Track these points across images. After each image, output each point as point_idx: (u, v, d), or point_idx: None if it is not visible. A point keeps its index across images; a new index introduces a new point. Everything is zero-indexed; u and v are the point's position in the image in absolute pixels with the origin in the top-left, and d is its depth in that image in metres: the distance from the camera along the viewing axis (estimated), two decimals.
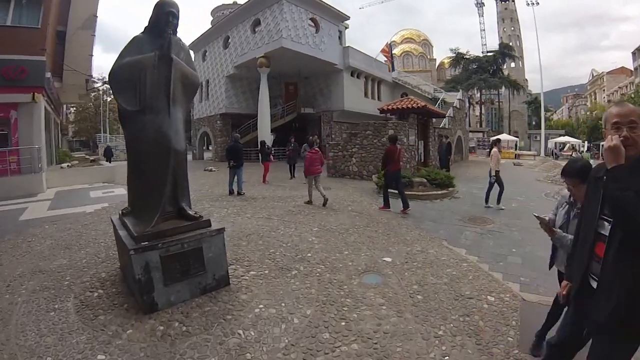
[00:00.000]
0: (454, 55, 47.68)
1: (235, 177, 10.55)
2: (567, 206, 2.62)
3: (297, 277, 4.28)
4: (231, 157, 10.55)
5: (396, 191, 8.40)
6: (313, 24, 23.02)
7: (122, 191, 10.81)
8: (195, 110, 31.22)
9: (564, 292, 2.05)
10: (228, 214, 7.95)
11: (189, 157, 30.68)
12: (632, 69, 54.87)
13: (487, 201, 8.80)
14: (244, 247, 5.43)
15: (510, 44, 52.34)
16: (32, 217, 8.03)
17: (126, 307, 3.49)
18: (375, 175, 10.33)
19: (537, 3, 40.18)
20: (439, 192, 10.07)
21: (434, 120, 18.48)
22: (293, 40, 20.93)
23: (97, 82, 25.18)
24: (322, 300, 3.68)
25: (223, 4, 47.19)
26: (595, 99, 67.49)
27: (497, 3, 60.15)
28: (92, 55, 18.10)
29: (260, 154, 15.02)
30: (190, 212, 3.82)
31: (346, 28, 27.57)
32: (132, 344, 2.92)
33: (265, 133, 21.49)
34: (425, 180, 10.71)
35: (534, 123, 58.75)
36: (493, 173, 8.75)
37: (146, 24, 3.93)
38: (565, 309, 2.20)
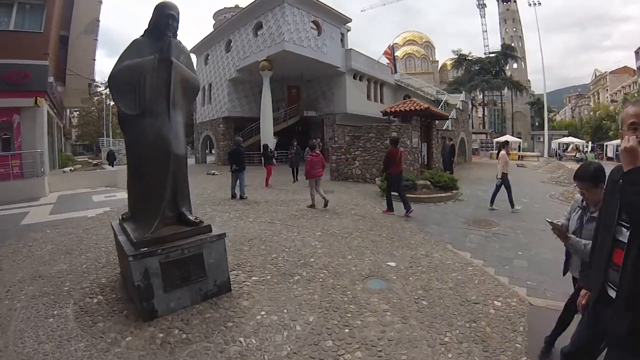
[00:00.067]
0: (456, 56, 47.67)
1: (238, 181, 10.50)
2: (580, 211, 2.55)
3: (299, 283, 4.21)
4: (233, 160, 10.52)
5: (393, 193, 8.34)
6: (315, 27, 22.99)
7: (124, 195, 10.75)
8: (198, 114, 31.25)
9: (583, 302, 1.97)
10: (230, 218, 7.90)
11: (192, 160, 30.89)
12: (635, 68, 54.63)
13: (492, 203, 8.71)
14: (246, 252, 5.37)
15: (513, 44, 52.24)
16: (34, 221, 8.03)
17: (126, 314, 3.44)
18: (379, 178, 10.27)
19: (539, 3, 40.11)
20: (443, 195, 9.99)
21: (437, 122, 18.40)
22: (295, 43, 20.92)
23: (100, 87, 25.25)
24: (325, 307, 3.61)
25: (225, 8, 47.21)
26: (598, 99, 67.20)
27: (498, 4, 60.08)
28: (94, 60, 18.13)
29: (262, 158, 14.98)
30: (190, 218, 3.77)
31: (348, 31, 27.57)
32: (131, 351, 2.86)
33: (267, 136, 21.45)
34: (428, 183, 10.64)
35: (536, 124, 58.55)
36: (499, 175, 8.66)
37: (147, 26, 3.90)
38: (580, 317, 2.12)
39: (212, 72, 28.17)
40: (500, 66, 46.32)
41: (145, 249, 3.32)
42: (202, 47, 29.38)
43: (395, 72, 30.88)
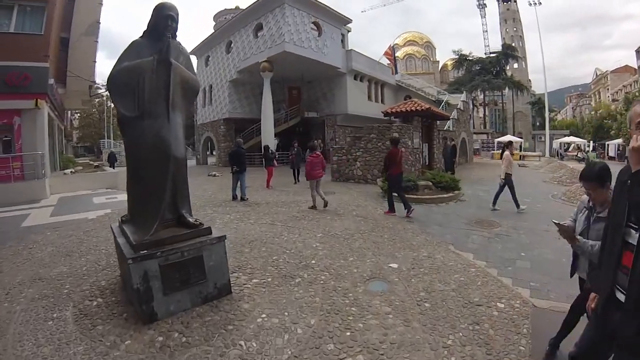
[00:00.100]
0: (457, 57, 47.60)
1: (239, 183, 10.47)
2: (587, 211, 2.52)
3: (300, 285, 4.17)
4: (234, 162, 10.50)
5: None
6: (315, 28, 22.98)
7: (124, 197, 10.76)
8: (199, 116, 31.27)
9: (592, 305, 1.93)
10: (231, 219, 7.88)
11: (193, 162, 30.86)
12: (636, 67, 54.49)
13: (494, 204, 8.67)
14: (247, 254, 5.34)
15: (513, 44, 52.21)
16: (35, 223, 8.03)
17: (125, 317, 3.41)
18: (380, 179, 10.23)
19: (540, 3, 40.02)
20: (445, 196, 9.94)
21: (438, 122, 18.37)
22: (295, 44, 20.90)
23: (100, 88, 25.27)
24: (327, 309, 3.57)
25: (225, 9, 47.34)
26: (599, 98, 66.99)
27: (499, 4, 60.12)
28: (95, 62, 18.20)
29: (263, 159, 14.96)
30: (190, 220, 3.73)
31: (349, 31, 27.57)
32: (130, 355, 2.84)
33: (268, 138, 21.45)
34: (430, 184, 10.59)
35: (537, 124, 58.53)
36: (503, 176, 8.62)
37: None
38: (586, 319, 2.09)
39: (213, 73, 28.19)
40: (501, 66, 46.27)
41: (145, 251, 3.29)
42: (203, 49, 29.40)
43: (396, 72, 30.83)
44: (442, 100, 28.21)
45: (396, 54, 35.16)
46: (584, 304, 2.12)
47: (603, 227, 2.23)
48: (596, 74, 72.40)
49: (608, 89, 63.86)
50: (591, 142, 41.50)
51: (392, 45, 31.45)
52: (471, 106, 38.02)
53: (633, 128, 1.62)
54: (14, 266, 5.09)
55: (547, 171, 19.25)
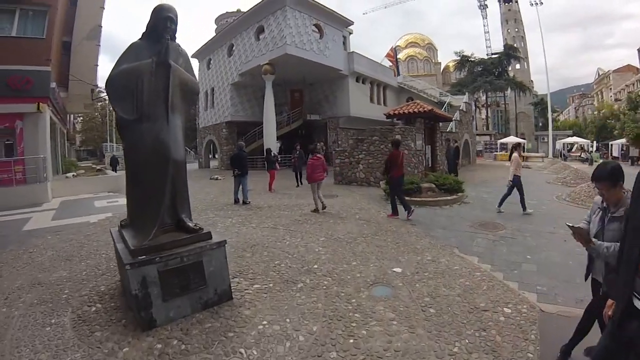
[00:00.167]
0: (459, 58, 47.54)
1: (241, 186, 10.42)
2: (601, 212, 2.46)
3: (303, 291, 4.10)
4: (235, 165, 10.44)
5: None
6: (317, 30, 22.98)
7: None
8: (201, 119, 31.30)
9: (609, 313, 1.86)
10: (233, 223, 7.82)
11: (195, 165, 30.87)
12: (639, 66, 54.25)
13: (500, 205, 8.57)
14: (248, 259, 5.27)
15: (515, 45, 52.10)
16: (36, 227, 8.03)
17: (124, 323, 3.36)
18: (383, 182, 10.15)
19: (541, 3, 39.93)
20: (448, 198, 9.85)
21: (440, 124, 18.29)
22: (297, 47, 20.89)
23: (102, 92, 25.32)
24: (329, 316, 3.50)
25: (227, 12, 47.57)
26: (602, 98, 66.71)
27: (500, 5, 60.07)
28: (97, 65, 18.29)
29: (266, 162, 14.92)
30: (190, 224, 3.67)
31: (350, 34, 27.58)
32: None
33: (271, 141, 21.41)
34: (433, 186, 10.50)
35: (540, 124, 58.33)
36: (511, 177, 8.51)
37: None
38: (600, 326, 2.01)
39: (215, 76, 28.23)
40: (503, 67, 46.17)
41: (143, 257, 3.23)
42: (205, 52, 29.47)
43: (398, 74, 30.77)
44: (445, 102, 28.13)
45: (398, 56, 35.12)
46: (599, 309, 2.05)
47: (618, 227, 2.17)
48: (598, 74, 72.14)
49: (610, 89, 63.58)
50: (594, 142, 41.28)
51: (393, 47, 31.39)
52: (473, 107, 37.89)
53: None
54: (13, 270, 5.07)
55: (550, 172, 19.10)
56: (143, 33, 3.83)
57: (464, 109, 25.01)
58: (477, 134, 36.10)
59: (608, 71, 66.66)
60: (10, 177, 11.44)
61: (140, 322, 3.24)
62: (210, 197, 12.00)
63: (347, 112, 25.32)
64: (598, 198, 2.55)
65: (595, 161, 26.96)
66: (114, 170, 23.58)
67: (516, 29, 58.53)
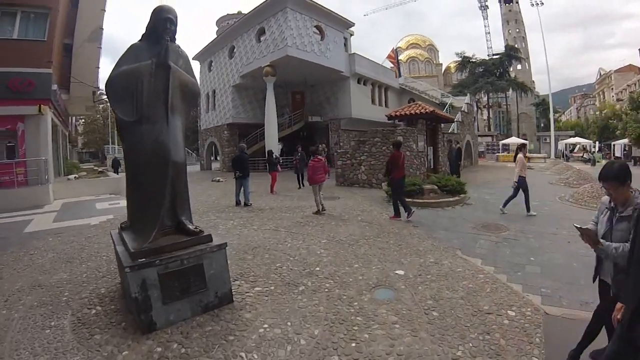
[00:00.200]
0: (460, 59, 47.59)
1: (242, 188, 10.39)
2: (608, 212, 2.43)
3: (304, 294, 4.06)
4: (237, 167, 10.42)
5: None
6: (318, 32, 22.96)
7: None
8: (202, 121, 31.32)
9: (619, 317, 1.82)
10: (234, 225, 7.79)
11: (197, 167, 30.86)
12: None
13: (504, 205, 8.51)
14: (250, 261, 5.24)
15: (516, 45, 52.04)
16: (37, 229, 8.03)
17: (124, 326, 3.33)
18: (385, 183, 10.12)
19: (542, 3, 39.87)
20: (451, 199, 9.80)
21: (442, 125, 18.24)
22: (298, 48, 20.88)
23: (103, 94, 25.40)
24: (331, 319, 3.45)
25: (228, 14, 47.77)
26: (603, 98, 66.44)
27: (500, 5, 60.03)
28: (98, 68, 18.32)
29: (267, 164, 14.90)
30: (190, 227, 3.64)
31: (351, 35, 27.54)
32: None
33: (272, 142, 21.39)
34: (436, 187, 10.44)
35: (542, 125, 58.23)
36: (516, 179, 8.45)
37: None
38: (607, 329, 1.97)
39: (216, 78, 28.25)
40: (504, 67, 46.15)
41: (143, 259, 3.20)
42: (206, 54, 29.52)
43: (399, 75, 30.77)
44: (446, 103, 28.09)
45: (399, 57, 35.13)
46: (608, 312, 2.01)
47: (626, 226, 2.14)
48: (600, 74, 71.84)
49: (612, 89, 63.30)
50: (597, 142, 41.12)
51: (395, 48, 31.45)
52: (475, 108, 37.86)
53: None
54: (14, 272, 5.07)
55: (553, 173, 19.04)
56: (143, 34, 3.81)
57: (466, 110, 24.96)
58: (479, 135, 36.04)
59: (609, 71, 66.36)
60: (11, 179, 11.46)
61: (140, 325, 3.21)
62: (212, 199, 11.98)
63: (348, 114, 25.30)
64: (605, 198, 2.52)
65: (598, 162, 26.86)
66: (116, 172, 23.64)
67: (517, 30, 58.44)
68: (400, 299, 3.89)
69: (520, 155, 8.78)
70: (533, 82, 58.43)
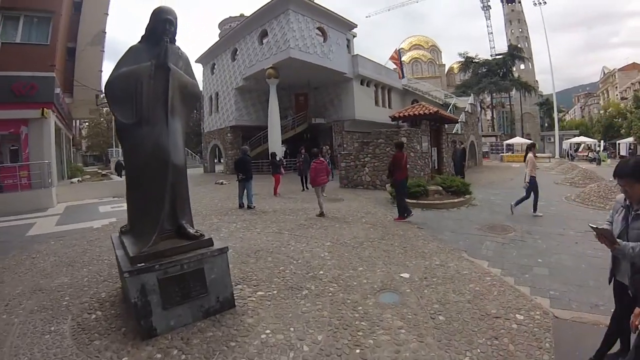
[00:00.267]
0: (463, 59, 47.43)
1: (245, 191, 10.34)
2: (624, 210, 2.34)
3: (307, 298, 3.98)
4: (240, 170, 10.37)
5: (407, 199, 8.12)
6: (320, 33, 22.92)
7: None
8: (206, 123, 31.34)
9: (637, 323, 1.74)
10: (237, 228, 7.73)
11: (200, 170, 30.88)
12: None
13: (516, 205, 8.37)
14: (252, 265, 5.17)
15: (519, 45, 51.81)
16: (40, 232, 8.03)
17: (124, 332, 3.28)
18: (389, 185, 10.05)
19: (545, 2, 39.67)
20: (456, 200, 9.70)
21: (446, 126, 18.14)
22: (301, 50, 20.84)
23: None
24: (335, 324, 3.37)
25: (230, 17, 47.81)
26: (607, 97, 65.98)
27: (503, 5, 59.84)
28: (101, 71, 18.36)
29: (271, 166, 14.85)
30: (190, 231, 3.57)
31: (354, 36, 27.47)
32: None
33: (275, 145, 21.31)
34: (440, 188, 10.35)
35: (546, 124, 57.93)
36: (527, 179, 8.31)
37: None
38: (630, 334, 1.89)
39: (219, 81, 28.27)
40: (507, 67, 45.91)
41: (142, 264, 3.15)
42: (208, 57, 29.56)
43: (403, 77, 30.62)
44: (450, 104, 28.00)
45: (402, 58, 35.04)
46: (625, 316, 1.92)
47: None
48: (604, 73, 71.37)
49: (616, 87, 62.83)
50: (602, 141, 40.83)
51: (397, 49, 31.27)
52: (479, 109, 37.68)
53: None
54: (15, 276, 5.05)
55: (558, 172, 18.86)
56: (142, 36, 3.76)
57: (470, 111, 24.85)
58: (483, 136, 35.89)
59: (613, 70, 65.91)
60: (15, 182, 11.51)
61: (140, 331, 3.16)
62: (215, 202, 11.94)
63: (352, 115, 25.23)
64: (620, 196, 2.43)
65: (603, 161, 26.64)
66: (119, 175, 23.64)
67: (520, 29, 58.22)
68: (406, 302, 3.81)
69: (530, 154, 8.65)
70: (536, 81, 58.18)
